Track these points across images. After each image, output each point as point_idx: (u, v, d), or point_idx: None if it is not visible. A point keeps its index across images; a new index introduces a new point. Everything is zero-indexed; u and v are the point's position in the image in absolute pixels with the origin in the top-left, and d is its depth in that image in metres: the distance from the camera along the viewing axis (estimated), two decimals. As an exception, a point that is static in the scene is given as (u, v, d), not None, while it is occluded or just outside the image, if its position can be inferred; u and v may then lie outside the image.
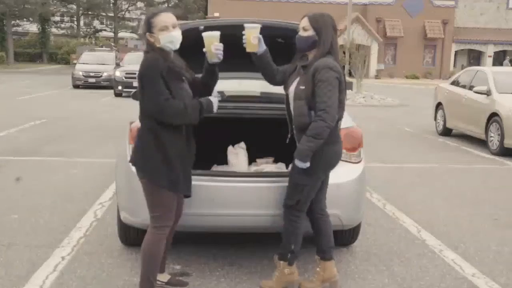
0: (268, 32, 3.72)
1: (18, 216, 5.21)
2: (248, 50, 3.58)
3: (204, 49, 3.38)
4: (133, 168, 3.43)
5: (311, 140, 3.29)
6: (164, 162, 3.17)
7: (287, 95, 3.63)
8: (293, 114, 3.52)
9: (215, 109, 3.35)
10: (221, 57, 3.39)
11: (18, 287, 3.64)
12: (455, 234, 5.05)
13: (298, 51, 3.62)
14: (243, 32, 3.55)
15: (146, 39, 3.22)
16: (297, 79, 3.53)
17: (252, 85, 3.94)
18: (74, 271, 3.91)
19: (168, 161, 3.17)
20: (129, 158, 3.60)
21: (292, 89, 3.55)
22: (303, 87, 3.41)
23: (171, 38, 3.17)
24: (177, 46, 3.24)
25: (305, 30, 3.49)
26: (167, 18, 3.19)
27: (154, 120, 3.15)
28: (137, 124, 3.67)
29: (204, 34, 3.37)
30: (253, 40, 3.55)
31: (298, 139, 3.51)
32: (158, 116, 3.12)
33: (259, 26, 3.58)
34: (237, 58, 4.68)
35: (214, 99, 3.37)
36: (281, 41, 4.21)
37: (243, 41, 3.54)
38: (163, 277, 3.64)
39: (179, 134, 3.23)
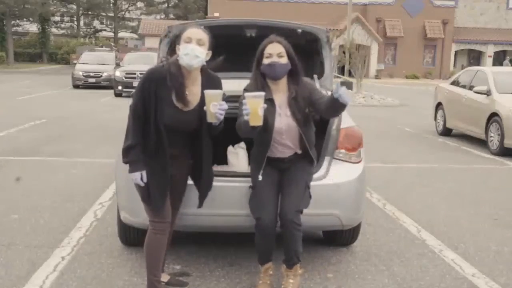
0: (268, 33, 3.71)
1: (18, 216, 5.21)
2: (252, 123, 3.19)
3: (204, 108, 3.13)
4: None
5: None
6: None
7: (269, 130, 3.44)
8: (307, 136, 3.54)
9: (219, 116, 3.12)
10: (222, 117, 3.13)
11: (18, 287, 3.63)
12: (455, 234, 5.05)
13: (273, 79, 3.49)
14: (244, 102, 3.18)
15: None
16: (282, 110, 3.48)
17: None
18: (74, 271, 3.91)
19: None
20: None
21: (285, 122, 3.48)
22: (307, 110, 3.53)
23: (186, 50, 3.12)
24: (192, 62, 3.12)
25: (281, 56, 3.43)
26: (192, 32, 3.19)
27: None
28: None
29: (205, 92, 3.12)
30: (260, 111, 3.17)
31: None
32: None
33: (263, 94, 3.24)
34: (236, 58, 4.68)
35: (218, 110, 3.10)
36: None
37: (245, 112, 3.16)
38: (163, 277, 3.64)
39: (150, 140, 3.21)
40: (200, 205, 3.52)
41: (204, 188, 3.49)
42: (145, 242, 3.36)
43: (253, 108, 3.14)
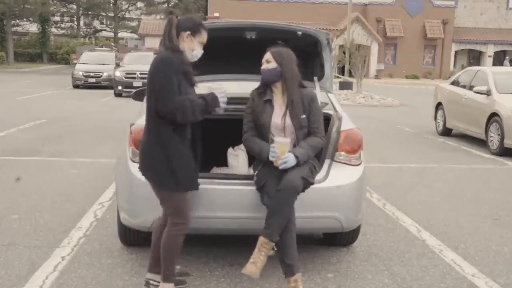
0: (269, 35, 3.73)
1: (18, 216, 5.21)
2: (276, 164, 3.55)
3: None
4: (133, 169, 3.43)
5: (311, 151, 3.63)
6: (168, 164, 3.18)
7: (263, 125, 3.68)
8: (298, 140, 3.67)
9: (221, 104, 3.30)
10: (225, 105, 3.35)
11: (18, 287, 3.64)
12: (455, 234, 5.05)
13: (266, 83, 3.71)
14: (273, 145, 3.52)
15: (177, 36, 3.25)
16: (282, 111, 3.64)
17: (252, 87, 3.96)
18: (74, 271, 3.91)
19: (170, 162, 3.18)
20: (130, 161, 3.62)
21: (280, 120, 3.64)
22: (304, 116, 3.65)
23: (200, 55, 3.33)
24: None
25: (268, 62, 3.65)
26: (206, 38, 3.37)
27: (162, 120, 3.15)
28: (138, 126, 3.67)
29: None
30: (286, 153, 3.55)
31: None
32: (172, 116, 3.11)
33: (289, 140, 3.59)
34: (237, 61, 4.68)
35: (220, 94, 3.29)
36: (281, 43, 4.22)
37: (273, 154, 3.51)
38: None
39: (183, 134, 3.23)
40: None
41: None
42: (165, 243, 3.32)
43: (281, 152, 3.52)
